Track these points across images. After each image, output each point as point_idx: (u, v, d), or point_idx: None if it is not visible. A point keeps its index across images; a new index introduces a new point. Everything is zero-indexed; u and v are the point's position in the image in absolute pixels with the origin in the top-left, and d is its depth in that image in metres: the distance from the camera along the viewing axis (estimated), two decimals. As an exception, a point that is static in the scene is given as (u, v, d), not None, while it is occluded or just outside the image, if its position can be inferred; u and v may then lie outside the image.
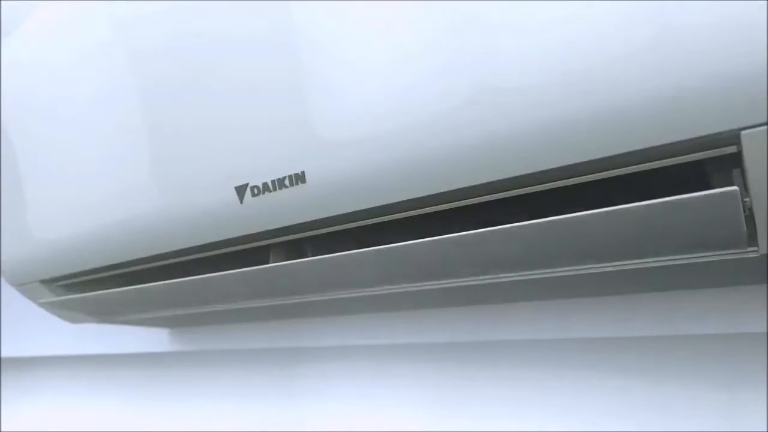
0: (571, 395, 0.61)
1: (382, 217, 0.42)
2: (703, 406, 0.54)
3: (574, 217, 0.33)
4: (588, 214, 0.33)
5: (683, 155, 0.31)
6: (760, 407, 0.51)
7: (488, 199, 0.38)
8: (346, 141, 0.39)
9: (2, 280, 0.67)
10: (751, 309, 0.51)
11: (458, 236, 0.38)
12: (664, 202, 0.31)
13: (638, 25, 0.29)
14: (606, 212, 0.33)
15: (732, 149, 0.30)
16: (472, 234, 0.38)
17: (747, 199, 0.32)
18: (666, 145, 0.30)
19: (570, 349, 0.61)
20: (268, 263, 0.53)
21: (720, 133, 0.29)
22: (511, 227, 0.36)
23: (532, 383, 0.63)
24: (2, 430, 1.12)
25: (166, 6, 0.46)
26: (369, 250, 0.42)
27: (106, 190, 0.53)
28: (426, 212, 0.40)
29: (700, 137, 0.29)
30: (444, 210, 0.40)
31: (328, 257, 0.45)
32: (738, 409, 0.52)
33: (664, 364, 0.56)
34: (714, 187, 0.36)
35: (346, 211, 0.42)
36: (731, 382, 0.53)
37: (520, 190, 0.36)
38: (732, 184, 0.35)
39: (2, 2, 0.59)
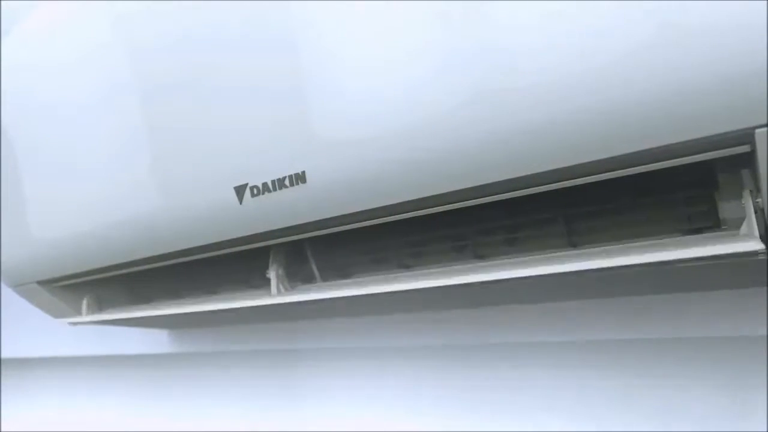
0: (574, 397, 0.61)
1: (383, 218, 0.42)
2: (705, 408, 0.54)
3: (605, 266, 0.33)
4: (616, 264, 0.33)
5: (694, 155, 0.30)
6: (761, 409, 0.51)
7: (491, 200, 0.37)
8: (347, 141, 0.39)
9: (2, 280, 0.67)
10: (752, 312, 0.50)
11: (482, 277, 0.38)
12: (688, 258, 0.30)
13: (650, 23, 0.28)
14: (633, 262, 0.32)
15: (744, 148, 0.29)
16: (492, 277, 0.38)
17: (759, 200, 0.31)
18: (677, 144, 0.29)
19: (572, 350, 0.61)
20: (268, 264, 0.53)
21: (733, 132, 0.28)
22: (526, 274, 0.36)
23: (534, 384, 0.63)
24: (2, 430, 1.12)
25: (166, 6, 0.46)
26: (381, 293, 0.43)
27: (104, 190, 0.52)
28: (427, 213, 0.40)
29: (713, 136, 0.28)
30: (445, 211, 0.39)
31: (338, 295, 0.45)
32: (739, 411, 0.52)
33: (666, 366, 0.56)
34: (721, 186, 0.36)
35: (347, 212, 0.41)
36: (732, 384, 0.53)
37: (522, 191, 0.36)
38: (742, 185, 0.34)
39: (2, 2, 0.58)
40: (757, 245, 0.28)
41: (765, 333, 0.50)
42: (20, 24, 0.56)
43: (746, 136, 0.28)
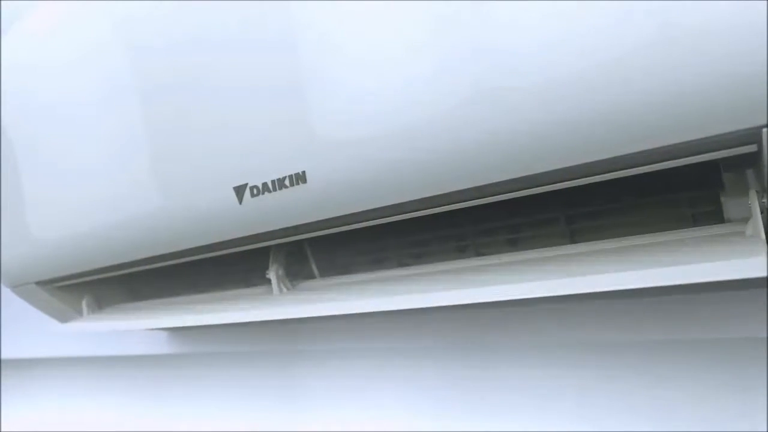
0: (574, 398, 0.60)
1: (384, 218, 0.41)
2: (705, 409, 0.53)
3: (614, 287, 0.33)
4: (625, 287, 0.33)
5: (699, 154, 0.29)
6: (761, 410, 0.50)
7: (493, 200, 0.37)
8: (348, 140, 0.38)
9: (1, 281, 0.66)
10: (752, 314, 0.50)
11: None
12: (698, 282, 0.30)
13: (654, 22, 0.28)
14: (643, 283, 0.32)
15: (751, 148, 0.28)
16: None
17: (765, 200, 0.31)
18: (682, 144, 0.29)
19: (572, 352, 0.61)
20: (268, 264, 0.53)
21: (739, 131, 0.27)
22: (528, 295, 0.36)
23: (534, 385, 0.62)
24: (2, 430, 1.12)
25: (165, 6, 0.45)
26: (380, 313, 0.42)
27: (104, 190, 0.52)
28: (428, 213, 0.39)
29: (718, 135, 0.28)
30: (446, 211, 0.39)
31: (340, 315, 0.45)
32: (739, 412, 0.52)
33: (667, 367, 0.56)
34: (726, 186, 0.36)
35: (347, 212, 0.41)
36: (733, 386, 0.52)
37: (524, 191, 0.35)
38: (747, 185, 0.34)
39: (2, 2, 0.58)
40: (762, 270, 0.28)
41: (765, 335, 0.50)
42: (20, 23, 0.56)
43: (753, 136, 0.27)
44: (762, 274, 0.28)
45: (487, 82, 0.32)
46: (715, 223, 0.37)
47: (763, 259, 0.28)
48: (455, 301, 0.39)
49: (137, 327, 0.59)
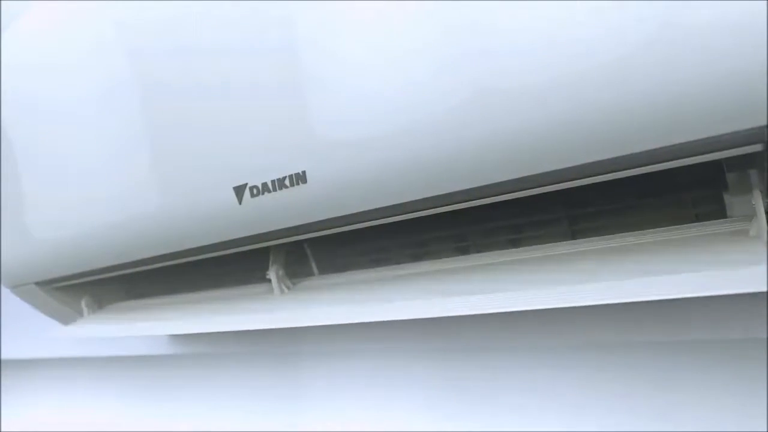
0: (575, 399, 0.60)
1: (384, 219, 0.41)
2: (705, 409, 0.53)
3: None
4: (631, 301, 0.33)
5: (704, 154, 0.29)
6: (761, 411, 0.50)
7: (494, 201, 0.37)
8: (348, 140, 0.38)
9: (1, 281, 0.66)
10: (752, 315, 0.50)
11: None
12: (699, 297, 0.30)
13: (659, 20, 0.28)
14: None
15: (756, 147, 0.28)
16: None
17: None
18: (686, 143, 0.29)
19: (573, 352, 0.61)
20: (268, 264, 0.52)
21: (744, 131, 0.27)
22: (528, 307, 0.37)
23: (534, 386, 0.62)
24: (2, 430, 1.12)
25: (166, 6, 0.45)
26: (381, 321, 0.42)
27: (104, 190, 0.52)
28: (429, 213, 0.39)
29: (723, 135, 0.28)
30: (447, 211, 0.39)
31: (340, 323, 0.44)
32: (739, 413, 0.52)
33: (667, 368, 0.56)
34: (730, 187, 0.36)
35: (347, 212, 0.41)
36: (733, 386, 0.52)
37: (526, 191, 0.35)
38: (750, 185, 0.34)
39: (2, 2, 0.58)
40: (762, 285, 0.27)
41: (765, 335, 0.50)
42: (20, 22, 0.56)
43: (757, 135, 0.27)
44: (763, 288, 0.28)
45: (487, 82, 0.32)
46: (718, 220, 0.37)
47: (763, 268, 0.28)
48: (460, 311, 0.38)
49: (138, 333, 0.59)
